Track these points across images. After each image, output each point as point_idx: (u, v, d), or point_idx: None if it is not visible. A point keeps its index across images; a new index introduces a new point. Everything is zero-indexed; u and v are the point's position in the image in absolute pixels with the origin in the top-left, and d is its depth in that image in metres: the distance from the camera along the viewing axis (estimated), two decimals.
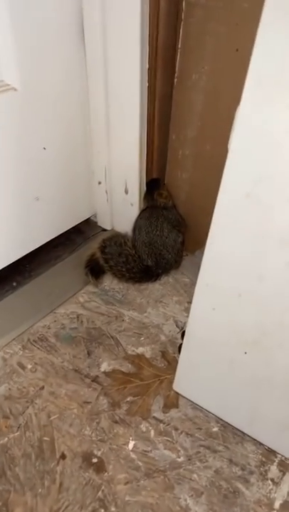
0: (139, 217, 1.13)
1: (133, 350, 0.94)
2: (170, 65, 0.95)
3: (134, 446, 0.78)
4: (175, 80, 0.97)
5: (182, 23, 0.89)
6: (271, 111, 0.51)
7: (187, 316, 0.85)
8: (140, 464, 0.75)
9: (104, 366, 0.91)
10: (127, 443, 0.78)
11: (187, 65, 0.93)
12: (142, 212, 1.14)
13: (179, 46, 0.92)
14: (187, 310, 1.04)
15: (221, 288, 0.66)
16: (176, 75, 0.96)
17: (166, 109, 1.02)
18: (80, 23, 0.93)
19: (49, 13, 0.87)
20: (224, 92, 0.89)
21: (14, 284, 1.10)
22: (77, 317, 1.02)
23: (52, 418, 0.81)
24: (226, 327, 0.69)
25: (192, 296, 0.69)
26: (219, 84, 0.90)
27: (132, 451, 0.77)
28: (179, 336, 0.97)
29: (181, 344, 0.86)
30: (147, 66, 0.93)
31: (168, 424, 0.81)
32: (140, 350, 0.95)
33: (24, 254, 1.12)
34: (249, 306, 0.64)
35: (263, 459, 0.76)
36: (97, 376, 0.89)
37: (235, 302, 0.66)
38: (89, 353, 0.94)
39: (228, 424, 0.80)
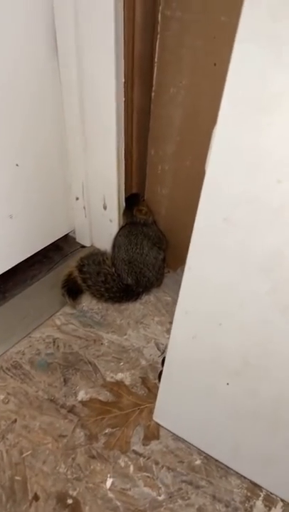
0: (118, 234, 1.10)
1: (112, 377, 0.90)
2: (147, 78, 0.92)
3: (112, 484, 0.73)
4: (153, 93, 0.94)
5: (158, 36, 0.87)
6: (249, 132, 0.48)
7: (169, 338, 0.82)
8: (118, 503, 0.71)
9: (82, 395, 0.87)
10: (105, 480, 0.73)
11: (164, 79, 0.90)
12: (121, 229, 1.11)
13: (156, 60, 0.90)
14: (169, 331, 0.99)
15: (201, 315, 0.63)
16: (153, 88, 0.94)
17: (145, 123, 0.99)
18: (53, 36, 0.90)
19: (20, 27, 0.83)
20: (203, 107, 0.87)
21: None
22: (54, 341, 0.98)
23: (24, 455, 0.76)
24: (206, 356, 0.65)
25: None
26: (198, 98, 0.87)
27: (109, 489, 0.72)
28: (160, 360, 0.93)
29: (161, 371, 0.83)
30: (123, 80, 0.90)
31: (148, 458, 0.77)
32: (119, 376, 0.91)
33: None
34: (231, 335, 0.61)
35: (248, 494, 0.73)
36: (73, 406, 0.85)
37: (216, 331, 0.62)
38: (65, 381, 0.89)
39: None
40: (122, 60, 0.88)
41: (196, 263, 0.60)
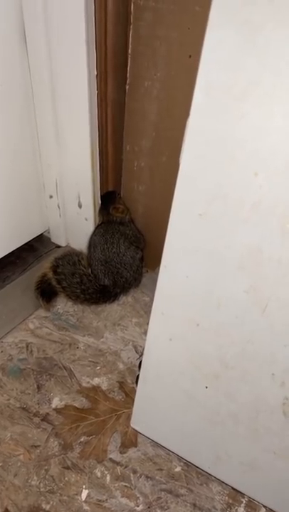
0: (94, 233, 1.07)
1: (88, 382, 0.87)
2: (121, 71, 0.89)
3: (88, 495, 0.70)
4: (127, 87, 0.92)
5: (131, 26, 0.84)
6: (224, 121, 0.46)
7: None
8: None
9: (56, 402, 0.83)
10: (80, 492, 0.70)
11: (139, 72, 0.88)
12: (97, 227, 1.08)
13: (130, 51, 0.87)
14: None
15: (177, 316, 0.61)
16: (127, 81, 0.91)
17: (120, 117, 0.96)
18: (22, 28, 0.86)
19: None
20: (178, 100, 0.85)
21: None
22: (27, 346, 0.94)
23: None
24: (184, 359, 0.63)
25: None
26: (173, 92, 0.85)
27: (84, 501, 0.69)
28: (138, 363, 0.91)
29: (138, 375, 0.80)
30: (96, 72, 0.87)
31: (126, 467, 0.74)
32: (96, 381, 0.88)
33: None
34: (208, 337, 0.59)
35: (230, 501, 0.71)
36: (47, 414, 0.81)
37: (193, 332, 0.60)
38: (39, 388, 0.86)
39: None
40: (94, 52, 0.85)
41: (172, 261, 0.58)
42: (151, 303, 1.07)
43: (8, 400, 0.83)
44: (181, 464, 0.75)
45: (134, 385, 0.86)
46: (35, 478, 0.72)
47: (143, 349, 0.94)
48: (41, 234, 1.23)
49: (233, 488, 0.72)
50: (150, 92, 0.88)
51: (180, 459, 0.75)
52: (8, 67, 0.88)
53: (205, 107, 0.47)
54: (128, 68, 0.89)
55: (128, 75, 0.90)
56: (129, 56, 0.88)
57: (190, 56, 0.79)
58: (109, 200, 1.06)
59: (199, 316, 0.59)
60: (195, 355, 0.62)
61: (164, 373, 0.66)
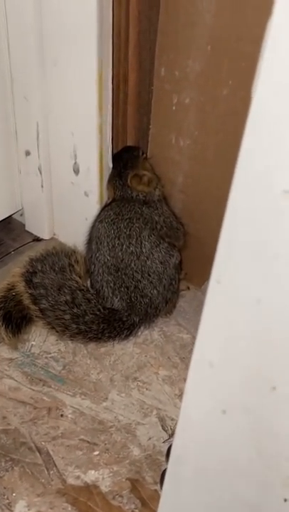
0: (99, 219, 1.11)
1: (78, 477, 0.89)
2: None
3: None
4: None
5: None
6: None
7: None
8: None
9: (21, 508, 0.84)
10: None
11: None
12: (105, 209, 1.11)
13: None
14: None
15: (238, 371, 0.61)
16: None
17: (151, 19, 0.98)
18: None
19: None
20: None
21: None
22: None
23: None
24: (248, 448, 0.62)
25: None
26: None
27: None
28: (167, 449, 0.92)
29: (166, 470, 0.80)
30: None
31: None
32: (91, 476, 0.89)
33: None
34: None
35: None
36: None
37: (266, 401, 0.60)
38: None
39: None
40: None
41: (232, 273, 0.57)
42: (194, 343, 1.07)
43: None
44: None
45: (158, 486, 0.87)
46: None
47: (175, 426, 0.94)
48: (9, 217, 1.29)
49: None
50: None
51: None
52: None
53: None
54: None
55: None
56: None
57: None
58: (127, 162, 1.09)
59: (278, 373, 0.58)
60: (268, 443, 0.61)
61: (211, 469, 0.66)
